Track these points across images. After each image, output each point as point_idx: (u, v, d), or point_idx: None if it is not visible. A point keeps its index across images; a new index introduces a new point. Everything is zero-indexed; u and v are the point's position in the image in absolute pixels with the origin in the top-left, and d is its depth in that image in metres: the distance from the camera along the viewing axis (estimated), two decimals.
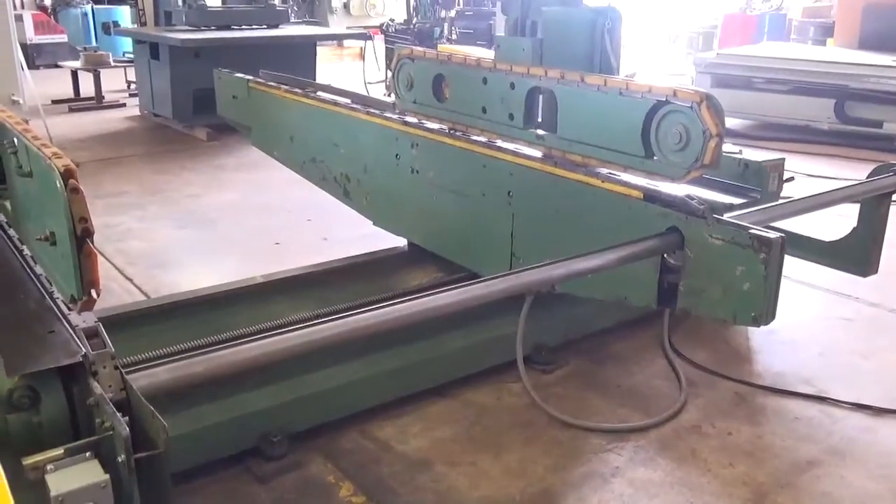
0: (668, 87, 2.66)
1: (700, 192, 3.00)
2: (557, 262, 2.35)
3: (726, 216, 2.53)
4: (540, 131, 3.17)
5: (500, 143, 3.29)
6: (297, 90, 4.39)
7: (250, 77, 4.77)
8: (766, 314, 2.35)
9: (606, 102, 2.83)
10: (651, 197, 2.65)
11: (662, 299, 2.64)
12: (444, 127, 3.54)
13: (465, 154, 3.37)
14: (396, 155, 3.72)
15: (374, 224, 4.08)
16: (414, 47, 3.86)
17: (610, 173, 2.86)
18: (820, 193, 3.11)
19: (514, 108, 3.21)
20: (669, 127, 2.64)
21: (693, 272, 2.51)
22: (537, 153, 3.15)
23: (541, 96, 3.18)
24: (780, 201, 3.27)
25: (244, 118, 4.89)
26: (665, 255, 2.59)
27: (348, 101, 4.16)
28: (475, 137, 3.38)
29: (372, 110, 3.88)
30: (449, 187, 3.49)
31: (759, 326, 2.43)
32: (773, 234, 2.31)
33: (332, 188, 4.26)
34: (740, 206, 3.10)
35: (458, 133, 3.46)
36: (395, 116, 3.76)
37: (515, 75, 3.17)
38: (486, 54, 4.24)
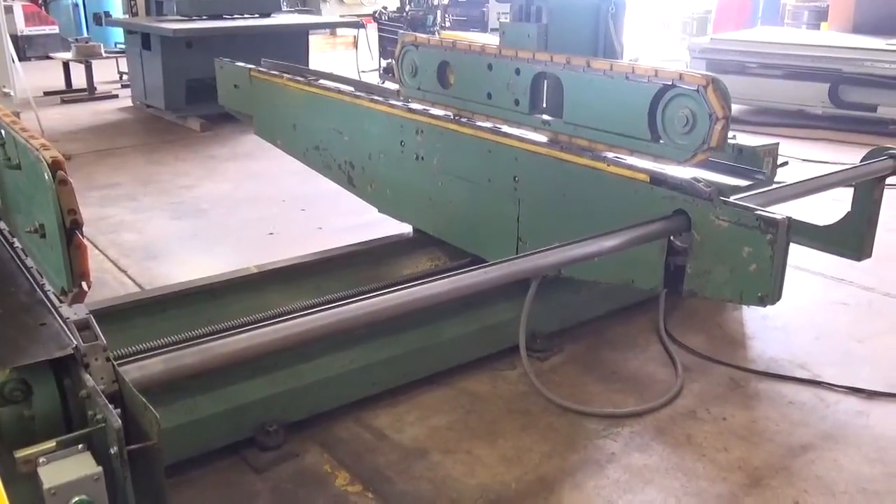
0: (674, 71, 2.64)
1: (706, 174, 2.99)
2: (563, 245, 2.34)
3: (731, 198, 2.53)
4: (545, 116, 3.15)
5: (505, 128, 3.26)
6: (299, 78, 4.35)
7: (252, 66, 4.73)
8: (772, 294, 2.36)
9: (612, 87, 2.81)
10: (657, 180, 2.64)
11: (669, 282, 2.64)
12: (449, 113, 3.51)
13: (471, 140, 3.34)
14: (401, 142, 3.69)
15: (379, 211, 4.04)
16: (417, 34, 3.83)
17: (616, 157, 2.84)
18: (815, 177, 3.11)
19: (519, 93, 3.19)
20: (676, 110, 2.64)
21: (700, 254, 2.51)
22: (543, 138, 3.13)
23: (546, 82, 3.16)
24: (780, 185, 3.26)
25: (246, 107, 4.85)
26: (672, 238, 2.59)
27: (352, 88, 4.12)
28: (480, 123, 3.36)
29: (376, 97, 3.84)
30: (454, 173, 3.46)
31: (765, 306, 2.43)
32: (779, 215, 2.30)
33: (337, 176, 4.22)
34: (745, 189, 3.09)
35: (463, 119, 3.43)
36: (400, 103, 3.72)
37: (521, 61, 3.15)
38: (490, 40, 4.20)
